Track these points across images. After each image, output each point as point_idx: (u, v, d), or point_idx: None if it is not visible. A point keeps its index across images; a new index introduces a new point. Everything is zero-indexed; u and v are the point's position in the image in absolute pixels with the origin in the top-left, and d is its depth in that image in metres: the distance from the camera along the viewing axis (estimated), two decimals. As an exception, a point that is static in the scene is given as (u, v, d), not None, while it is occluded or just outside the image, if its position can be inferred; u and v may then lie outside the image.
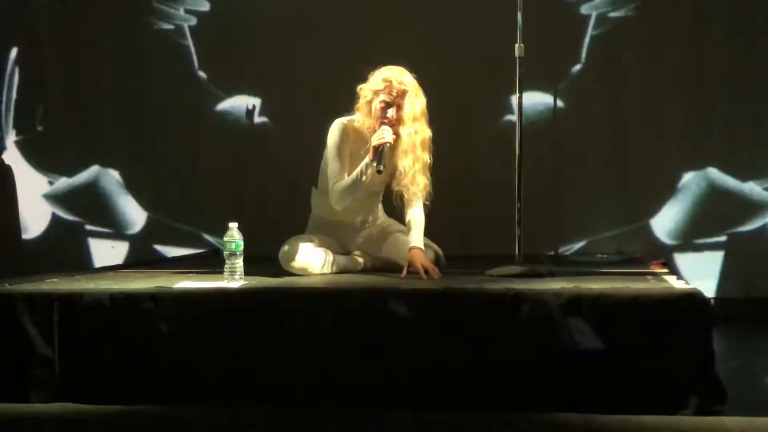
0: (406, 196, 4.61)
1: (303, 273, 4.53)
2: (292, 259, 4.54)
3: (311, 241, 4.65)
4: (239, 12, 6.50)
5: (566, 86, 6.23)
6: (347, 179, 4.54)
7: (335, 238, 4.76)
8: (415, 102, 4.52)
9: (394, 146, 4.53)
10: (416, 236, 4.56)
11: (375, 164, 4.43)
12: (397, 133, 4.51)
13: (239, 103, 6.55)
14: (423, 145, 4.57)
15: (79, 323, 3.93)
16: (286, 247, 4.56)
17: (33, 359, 3.92)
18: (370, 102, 4.56)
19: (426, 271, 4.37)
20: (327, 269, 4.61)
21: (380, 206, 4.87)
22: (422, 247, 4.53)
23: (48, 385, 3.91)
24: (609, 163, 6.20)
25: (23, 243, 6.73)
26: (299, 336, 3.85)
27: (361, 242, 4.80)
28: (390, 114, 4.51)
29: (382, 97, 4.52)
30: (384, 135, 4.45)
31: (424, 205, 4.63)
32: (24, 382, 3.92)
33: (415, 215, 4.61)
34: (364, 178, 4.50)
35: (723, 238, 6.14)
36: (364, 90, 4.59)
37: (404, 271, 4.46)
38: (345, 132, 4.60)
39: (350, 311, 3.85)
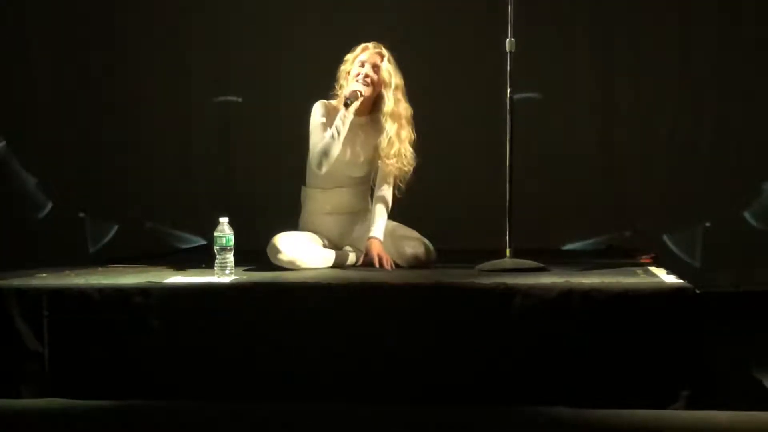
0: (382, 171, 4.70)
1: (291, 267, 4.52)
2: (280, 252, 4.52)
3: (301, 235, 4.66)
4: (228, 3, 6.50)
5: (557, 81, 6.24)
6: (326, 138, 4.59)
7: (326, 235, 4.76)
8: (394, 72, 4.65)
9: (373, 104, 4.65)
10: (378, 225, 4.64)
11: (346, 105, 4.52)
12: (379, 95, 4.63)
13: (229, 98, 6.55)
14: (407, 119, 4.68)
15: (69, 318, 3.92)
16: (274, 241, 4.55)
17: (23, 354, 3.91)
18: (349, 71, 4.66)
19: (380, 263, 4.52)
20: (317, 263, 4.61)
21: (370, 200, 4.87)
22: (381, 237, 4.61)
23: (38, 380, 3.90)
24: (600, 157, 6.21)
25: (20, 233, 6.71)
26: (290, 331, 3.85)
27: (351, 238, 4.79)
28: (366, 69, 4.61)
29: (360, 58, 4.65)
30: (354, 87, 4.58)
31: (398, 188, 4.72)
32: (14, 377, 3.91)
33: (382, 199, 4.69)
34: (340, 130, 4.55)
35: (712, 232, 6.15)
36: (347, 63, 4.69)
37: (360, 259, 4.60)
38: (325, 110, 4.68)
39: (341, 306, 3.85)
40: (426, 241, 4.72)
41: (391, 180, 4.72)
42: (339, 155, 4.62)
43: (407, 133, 4.68)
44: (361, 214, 4.79)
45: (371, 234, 4.62)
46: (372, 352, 3.80)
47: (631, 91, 6.21)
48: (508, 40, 4.51)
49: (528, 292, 3.75)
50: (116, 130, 6.62)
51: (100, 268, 4.80)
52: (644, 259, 4.87)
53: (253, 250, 4.74)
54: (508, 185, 4.49)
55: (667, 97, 6.19)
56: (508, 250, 4.47)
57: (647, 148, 6.19)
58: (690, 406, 3.58)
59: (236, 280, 4.12)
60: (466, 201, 6.09)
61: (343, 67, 4.71)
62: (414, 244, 4.69)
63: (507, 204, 4.48)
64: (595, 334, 3.67)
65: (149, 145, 6.59)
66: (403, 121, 4.67)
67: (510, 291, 3.76)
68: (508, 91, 4.51)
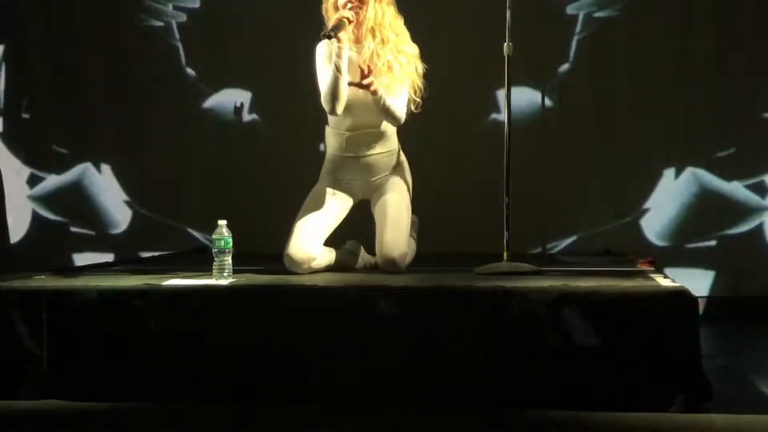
0: (387, 89, 4.41)
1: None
2: (302, 269, 4.45)
3: (313, 233, 4.51)
4: (228, 7, 6.50)
5: (554, 85, 6.25)
6: (328, 79, 4.40)
7: (347, 179, 4.62)
8: None
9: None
10: (387, 97, 4.41)
11: (330, 30, 4.29)
12: (363, 19, 4.42)
13: (229, 99, 6.55)
14: (395, 28, 4.47)
15: (68, 320, 3.93)
16: (295, 258, 4.44)
17: (22, 356, 3.91)
18: (336, 8, 4.46)
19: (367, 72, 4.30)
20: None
21: (395, 141, 4.67)
22: (382, 92, 4.36)
23: (37, 382, 3.90)
24: (596, 162, 6.22)
25: (11, 246, 6.70)
26: (288, 334, 3.86)
27: (367, 187, 4.64)
28: None
29: None
30: (339, 14, 4.36)
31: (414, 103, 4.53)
32: (13, 379, 3.91)
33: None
34: (338, 65, 4.33)
35: (710, 237, 6.16)
36: (328, 5, 4.52)
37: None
38: (328, 50, 4.48)
39: (339, 309, 3.86)
40: (405, 250, 4.53)
41: (397, 94, 4.43)
42: (350, 95, 4.42)
43: (397, 43, 4.46)
44: (383, 157, 4.62)
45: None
46: (369, 355, 3.80)
47: (628, 96, 6.21)
48: (505, 44, 4.52)
49: (525, 295, 3.75)
50: (112, 132, 6.62)
51: (98, 271, 4.81)
52: (642, 264, 4.88)
53: (252, 253, 4.75)
54: (505, 188, 4.50)
55: (667, 99, 6.19)
56: (505, 254, 4.48)
57: (645, 153, 6.19)
58: (687, 409, 3.59)
59: (234, 282, 4.13)
60: (463, 204, 6.09)
61: (325, 6, 4.54)
62: (389, 246, 4.50)
63: (505, 207, 4.49)
64: (592, 338, 3.68)
65: (146, 147, 6.59)
66: (387, 32, 4.43)
67: (507, 294, 3.77)
68: (505, 94, 4.53)
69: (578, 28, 6.25)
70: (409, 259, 4.61)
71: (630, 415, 3.57)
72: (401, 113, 4.49)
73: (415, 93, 4.54)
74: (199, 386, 3.86)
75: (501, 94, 4.53)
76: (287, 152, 6.23)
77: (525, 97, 6.19)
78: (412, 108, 4.55)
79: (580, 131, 6.24)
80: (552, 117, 6.25)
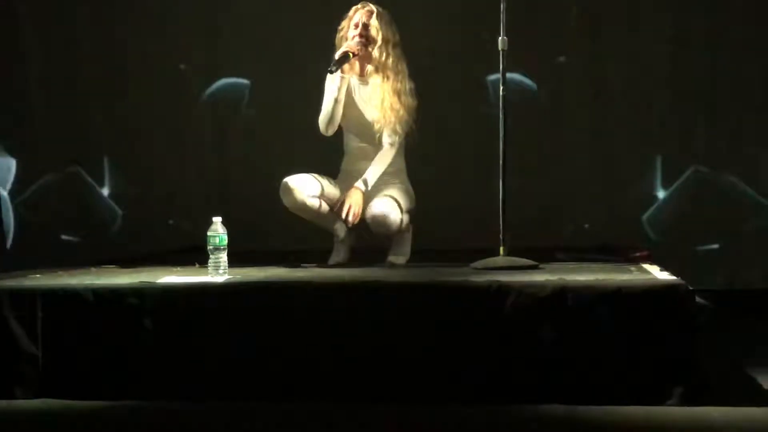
0: (383, 132, 4.74)
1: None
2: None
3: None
4: (227, 1, 6.49)
5: (550, 79, 6.24)
6: (328, 104, 4.75)
7: (345, 185, 4.80)
8: (387, 27, 4.77)
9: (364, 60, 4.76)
10: (366, 176, 4.70)
11: (332, 65, 4.65)
12: (369, 54, 4.74)
13: (226, 96, 6.54)
14: (396, 71, 4.76)
15: (63, 319, 3.92)
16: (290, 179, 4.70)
17: (17, 355, 3.91)
18: (346, 37, 4.79)
19: (347, 212, 4.59)
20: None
21: (399, 161, 4.87)
22: (363, 188, 4.66)
23: (32, 381, 3.90)
24: (594, 156, 6.21)
25: (7, 250, 6.69)
26: (283, 330, 3.85)
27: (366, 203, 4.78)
28: (359, 29, 4.74)
29: (354, 20, 4.79)
30: (344, 48, 4.72)
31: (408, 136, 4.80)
32: (8, 378, 3.91)
33: (381, 152, 4.75)
34: (335, 95, 4.70)
35: (710, 231, 6.16)
36: (342, 30, 4.82)
37: (337, 205, 4.67)
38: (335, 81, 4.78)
39: (335, 305, 3.85)
40: (395, 212, 4.67)
41: (390, 133, 4.75)
42: (355, 117, 4.77)
43: (395, 84, 4.74)
44: (385, 176, 4.79)
45: (356, 183, 4.69)
46: (366, 351, 3.80)
47: (624, 90, 6.20)
48: (500, 38, 4.51)
49: (522, 290, 3.75)
50: (106, 129, 6.61)
51: (93, 269, 4.80)
52: (639, 254, 4.88)
53: (247, 250, 4.74)
54: (501, 183, 4.49)
55: (663, 92, 6.18)
56: (501, 248, 4.48)
57: (641, 148, 6.18)
58: (684, 402, 3.59)
59: (230, 279, 4.13)
60: (459, 199, 6.08)
61: (340, 35, 4.82)
62: (378, 206, 4.66)
63: (501, 202, 4.48)
64: (589, 332, 3.68)
65: (141, 144, 6.57)
66: (389, 73, 4.74)
67: (504, 289, 3.76)
68: (501, 89, 4.51)
69: (574, 20, 6.23)
70: (401, 226, 4.72)
71: (627, 409, 3.57)
72: (387, 163, 4.76)
73: (405, 124, 4.78)
74: (194, 384, 3.85)
75: (497, 86, 4.50)
76: (284, 149, 6.22)
77: (521, 91, 6.17)
78: (401, 135, 4.78)
79: (577, 125, 6.23)
80: (549, 110, 6.24)
